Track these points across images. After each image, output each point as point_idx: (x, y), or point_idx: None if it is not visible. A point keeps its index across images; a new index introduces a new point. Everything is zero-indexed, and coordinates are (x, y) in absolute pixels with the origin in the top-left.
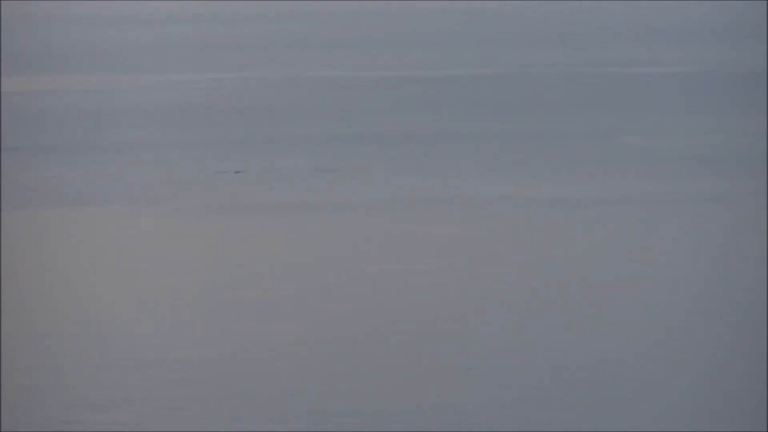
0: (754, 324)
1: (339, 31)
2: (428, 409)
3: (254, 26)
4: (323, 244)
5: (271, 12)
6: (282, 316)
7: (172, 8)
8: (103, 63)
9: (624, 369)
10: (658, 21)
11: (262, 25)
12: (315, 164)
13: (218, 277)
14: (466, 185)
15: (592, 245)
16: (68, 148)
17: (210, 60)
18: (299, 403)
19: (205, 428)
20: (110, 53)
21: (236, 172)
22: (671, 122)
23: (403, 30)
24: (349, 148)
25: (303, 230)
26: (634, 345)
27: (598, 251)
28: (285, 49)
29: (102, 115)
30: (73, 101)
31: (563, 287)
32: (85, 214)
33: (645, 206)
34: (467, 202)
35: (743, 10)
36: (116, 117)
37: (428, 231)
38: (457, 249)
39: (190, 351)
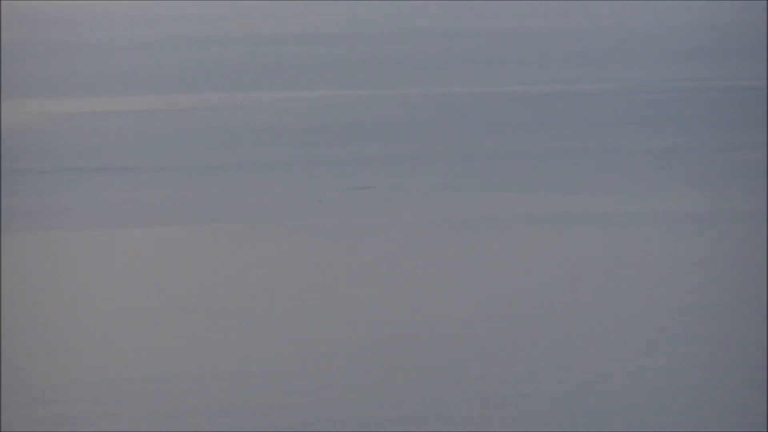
0: (750, 337)
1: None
2: None
3: (336, 46)
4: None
5: (368, 31)
6: (328, 333)
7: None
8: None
9: (619, 379)
10: (650, 39)
11: (356, 45)
12: (357, 182)
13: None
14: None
15: (587, 261)
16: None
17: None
18: None
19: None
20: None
21: (362, 189)
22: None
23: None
24: (403, 166)
25: (341, 248)
26: (631, 352)
27: (592, 267)
28: (374, 68)
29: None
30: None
31: (553, 301)
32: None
33: (653, 224)
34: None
35: (735, 30)
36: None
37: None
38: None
39: (211, 364)
